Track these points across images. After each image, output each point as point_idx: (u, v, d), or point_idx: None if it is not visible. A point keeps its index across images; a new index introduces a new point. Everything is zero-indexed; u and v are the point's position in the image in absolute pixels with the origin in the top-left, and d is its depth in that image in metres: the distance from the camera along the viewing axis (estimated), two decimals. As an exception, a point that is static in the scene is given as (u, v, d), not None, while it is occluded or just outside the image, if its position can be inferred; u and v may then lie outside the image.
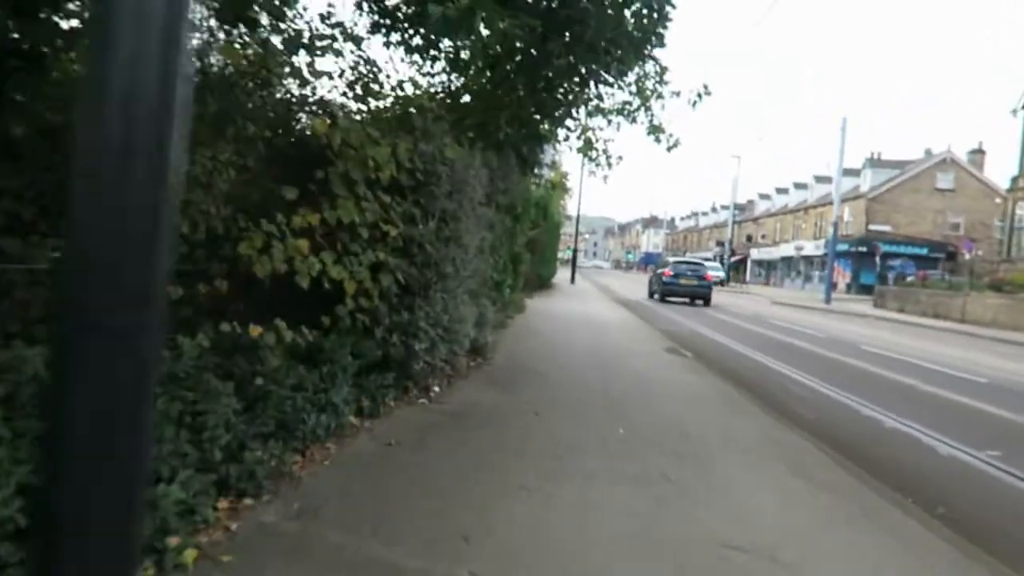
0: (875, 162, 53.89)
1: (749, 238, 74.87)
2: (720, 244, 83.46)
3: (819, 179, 61.91)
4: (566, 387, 6.92)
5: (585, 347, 10.34)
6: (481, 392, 6.17)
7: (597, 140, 14.79)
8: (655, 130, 13.31)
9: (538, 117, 7.96)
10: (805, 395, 8.49)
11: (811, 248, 57.69)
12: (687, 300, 26.77)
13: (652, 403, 6.59)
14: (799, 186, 66.22)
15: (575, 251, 37.11)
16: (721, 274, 61.87)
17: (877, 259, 45.90)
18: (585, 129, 14.85)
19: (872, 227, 50.42)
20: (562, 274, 35.49)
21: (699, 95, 12.39)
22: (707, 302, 26.65)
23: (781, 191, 70.88)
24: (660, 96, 12.97)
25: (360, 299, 4.75)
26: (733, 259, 70.45)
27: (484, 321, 7.67)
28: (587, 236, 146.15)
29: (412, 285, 5.33)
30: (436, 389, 5.80)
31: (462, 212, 5.76)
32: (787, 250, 63.24)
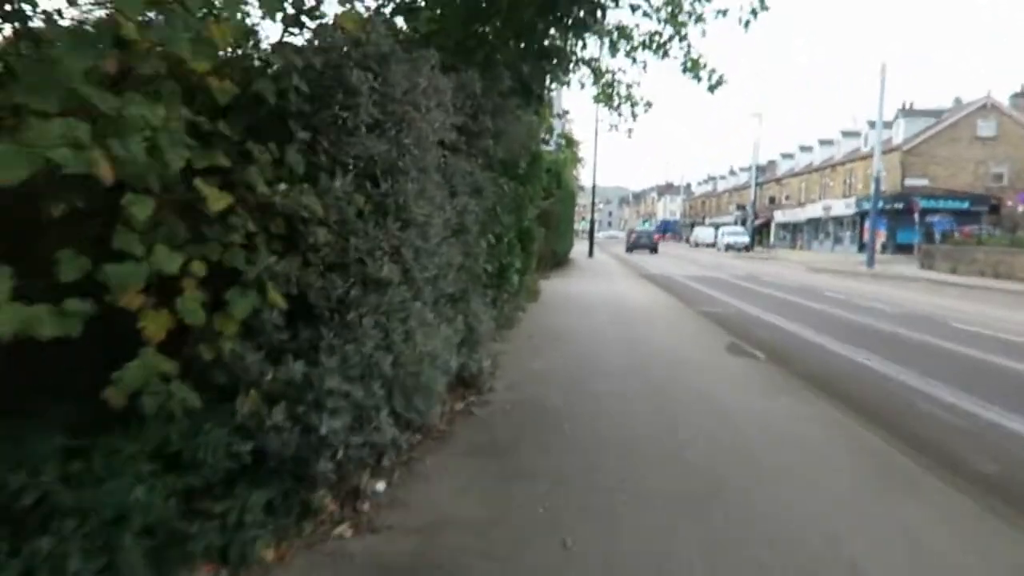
0: (908, 112, 50.35)
1: (772, 200, 71.53)
2: (741, 208, 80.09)
3: (847, 134, 58.41)
4: (607, 447, 4.30)
5: (622, 353, 7.71)
6: (463, 487, 3.53)
7: (618, 83, 12.10)
8: (694, 66, 10.56)
9: (542, 26, 5.28)
10: (956, 422, 5.84)
11: (840, 207, 54.43)
12: (704, 275, 24.79)
13: (757, 478, 3.96)
14: (824, 143, 62.67)
15: (592, 222, 34.32)
16: (745, 239, 58.91)
17: (916, 216, 42.61)
18: (602, 73, 12.15)
19: (908, 182, 47.10)
20: (578, 247, 32.79)
21: (753, 11, 9.61)
22: (654, 251, 47.64)
23: (805, 149, 67.32)
24: (700, 19, 10.20)
25: (191, 345, 2.22)
26: (756, 223, 67.26)
27: (475, 338, 5.08)
28: (601, 206, 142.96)
29: (313, 306, 2.75)
30: (379, 488, 3.21)
31: (411, 162, 3.14)
32: (814, 211, 59.93)
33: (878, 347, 9.18)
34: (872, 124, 53.55)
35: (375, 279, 2.85)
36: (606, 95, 12.06)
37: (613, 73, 11.87)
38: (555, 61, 5.70)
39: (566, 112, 11.29)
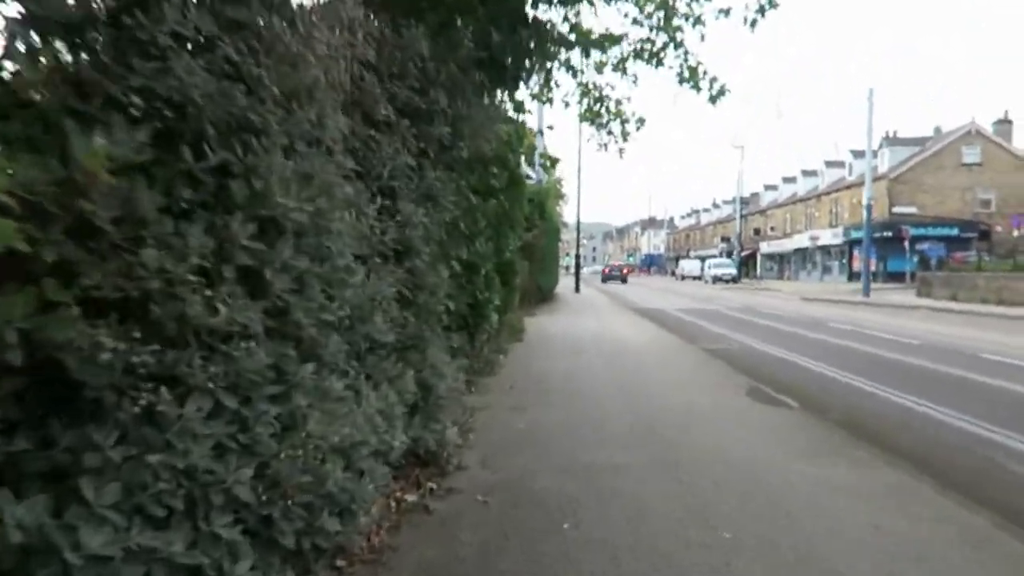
0: (893, 141, 50.06)
1: (757, 231, 71.01)
2: (726, 240, 79.56)
3: (830, 164, 58.11)
4: (624, 563, 2.93)
5: (624, 406, 6.35)
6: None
7: (605, 99, 10.94)
8: (692, 74, 9.48)
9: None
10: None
11: (828, 237, 53.76)
12: (698, 307, 23.67)
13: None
14: (808, 173, 62.37)
15: (578, 256, 33.16)
16: (733, 271, 58.12)
17: (906, 244, 41.85)
18: (588, 90, 11.00)
19: (896, 209, 46.47)
20: (564, 283, 31.57)
21: (761, 9, 8.59)
22: (624, 281, 56.76)
23: (788, 180, 67.06)
24: (698, 21, 9.15)
25: None
26: (742, 254, 66.56)
27: (434, 401, 3.70)
28: (585, 242, 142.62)
29: (77, 384, 1.39)
30: None
31: (278, 122, 1.80)
32: (801, 241, 59.30)
33: (917, 386, 7.89)
34: (856, 154, 53.53)
35: (199, 327, 1.51)
36: (593, 113, 10.91)
37: (601, 89, 10.76)
38: (534, 36, 4.45)
39: (550, 127, 10.03)
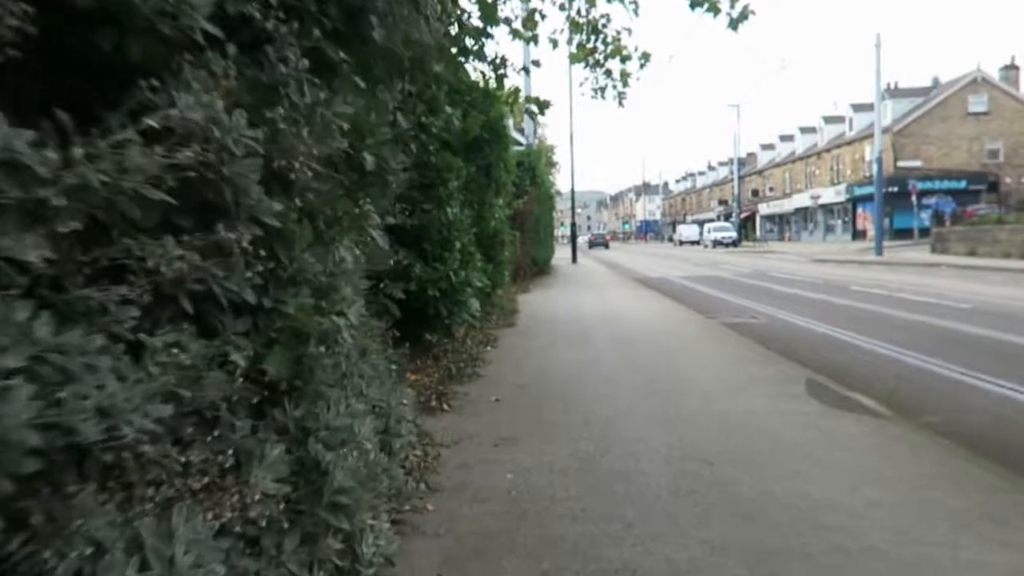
0: (894, 92, 48.03)
1: (755, 193, 69.15)
2: (723, 203, 77.75)
3: (829, 119, 56.15)
4: None
5: (650, 418, 4.65)
6: None
7: (601, 32, 9.17)
8: (707, -6, 7.76)
9: None
10: None
11: (831, 195, 51.99)
12: (705, 274, 22.31)
13: None
14: (806, 130, 60.37)
15: (574, 225, 31.35)
16: (733, 234, 56.41)
17: (913, 199, 40.13)
18: (578, 24, 9.26)
19: (901, 163, 44.66)
20: (559, 253, 29.84)
21: None
22: (606, 247, 64.34)
23: (786, 138, 65.09)
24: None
25: None
26: (741, 217, 64.84)
27: (332, 503, 2.02)
28: (580, 210, 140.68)
29: None
30: None
31: None
32: (801, 200, 57.55)
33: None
34: (857, 107, 51.57)
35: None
36: (586, 51, 9.12)
37: (596, 22, 8.96)
38: None
39: (536, 64, 8.21)
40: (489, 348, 7.28)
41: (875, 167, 30.20)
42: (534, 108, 7.48)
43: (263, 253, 1.62)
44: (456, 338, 6.94)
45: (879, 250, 28.79)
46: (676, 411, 4.73)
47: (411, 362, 5.90)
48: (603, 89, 8.95)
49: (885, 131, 45.93)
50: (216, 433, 1.54)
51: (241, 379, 1.60)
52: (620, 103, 9.05)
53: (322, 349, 1.91)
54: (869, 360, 7.20)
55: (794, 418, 4.52)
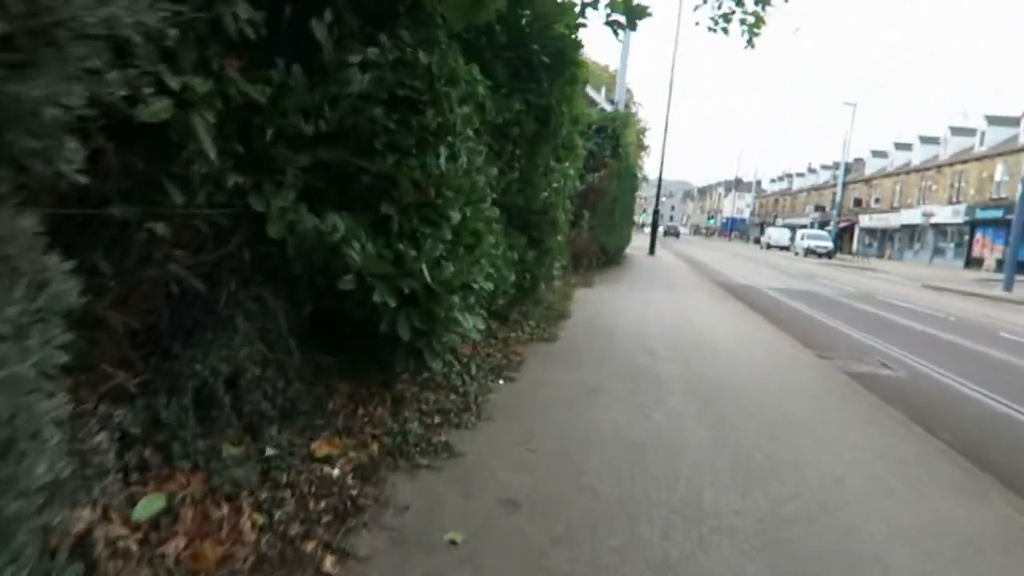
0: (1041, 107, 42.38)
1: (858, 202, 63.75)
2: (820, 209, 72.31)
3: (956, 131, 50.54)
4: None
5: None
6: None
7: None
8: None
9: None
10: None
11: (947, 215, 46.85)
12: (801, 288, 19.20)
13: None
14: (927, 140, 54.75)
15: (656, 213, 28.29)
16: (829, 244, 51.80)
17: (1049, 230, 35.08)
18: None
19: (1038, 188, 39.28)
20: (636, 242, 26.89)
21: None
22: (677, 236, 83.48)
23: (902, 147, 59.38)
24: None
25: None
26: (839, 226, 59.86)
27: None
28: (664, 199, 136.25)
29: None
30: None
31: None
32: (910, 217, 52.32)
33: None
34: (992, 120, 46.04)
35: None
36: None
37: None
38: None
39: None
40: (501, 383, 4.71)
41: (1020, 187, 25.90)
42: (620, 18, 4.80)
43: None
44: (453, 363, 4.39)
45: (1009, 285, 24.70)
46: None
47: (351, 411, 3.42)
48: (728, 17, 6.17)
49: (1021, 151, 40.68)
50: None
51: None
52: (750, 41, 6.25)
53: None
54: None
55: None
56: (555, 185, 7.10)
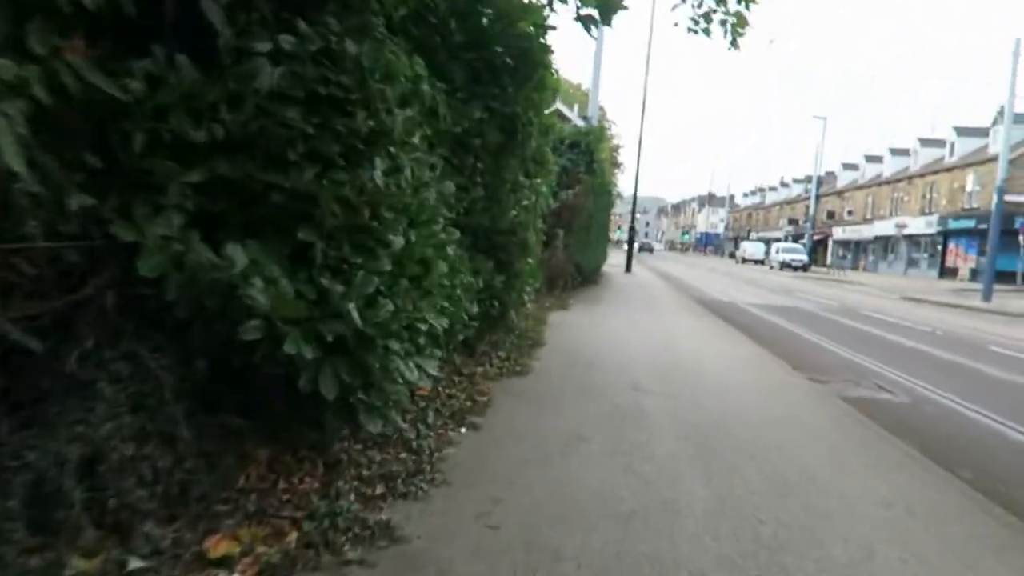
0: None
1: (831, 215, 64.13)
2: (793, 222, 72.65)
3: (926, 142, 51.02)
4: None
5: None
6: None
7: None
8: None
9: None
10: None
11: (920, 225, 47.09)
12: (781, 304, 19.28)
13: None
14: (897, 152, 55.22)
15: (632, 228, 27.85)
16: (804, 257, 51.88)
17: (1021, 239, 35.43)
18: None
19: (1009, 198, 39.54)
20: (613, 259, 26.41)
21: None
22: (651, 251, 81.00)
23: (872, 159, 59.88)
24: None
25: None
26: (813, 240, 60.05)
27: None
28: (639, 216, 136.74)
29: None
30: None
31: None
32: (883, 228, 52.56)
33: None
34: (961, 131, 46.46)
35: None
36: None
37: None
38: None
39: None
40: (464, 431, 4.05)
41: (995, 197, 25.90)
42: (593, 12, 4.22)
43: None
44: (405, 412, 3.73)
45: (988, 295, 24.55)
46: None
47: (270, 485, 2.76)
48: (709, 17, 5.64)
49: (995, 159, 40.94)
50: None
51: None
52: (734, 42, 5.72)
53: None
54: None
55: None
56: (525, 203, 6.50)
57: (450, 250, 3.81)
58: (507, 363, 6.02)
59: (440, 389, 4.59)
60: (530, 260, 6.59)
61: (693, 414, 5.11)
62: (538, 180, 7.66)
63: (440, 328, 3.28)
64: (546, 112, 6.07)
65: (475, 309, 5.31)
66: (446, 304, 3.50)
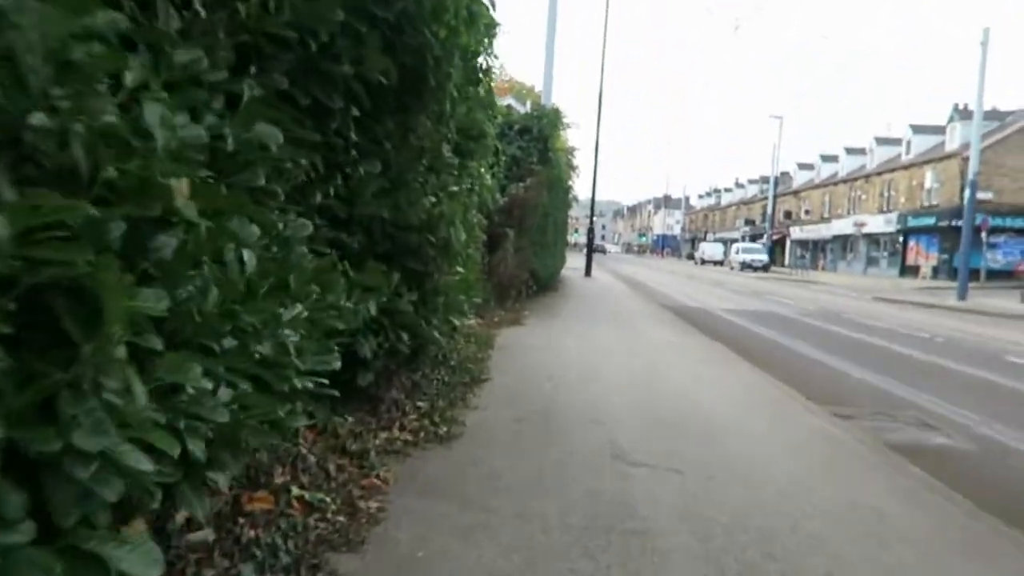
0: (966, 114, 42.36)
1: (788, 215, 63.62)
2: (750, 223, 72.01)
3: (882, 141, 50.59)
4: None
5: None
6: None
7: None
8: None
9: None
10: None
11: (879, 224, 46.46)
12: (755, 309, 18.02)
13: None
14: (853, 151, 54.82)
15: (591, 230, 26.11)
16: (764, 257, 51.09)
17: (984, 235, 34.77)
18: None
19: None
20: (571, 261, 24.61)
21: None
22: (604, 252, 73.76)
23: (828, 159, 59.48)
24: None
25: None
26: (772, 239, 59.36)
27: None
28: (595, 218, 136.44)
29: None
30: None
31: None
32: (841, 227, 51.94)
33: None
34: (918, 129, 45.99)
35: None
36: None
37: None
38: None
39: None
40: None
41: (968, 192, 24.83)
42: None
43: None
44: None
45: (963, 294, 23.40)
46: None
47: None
48: None
49: (952, 156, 40.42)
50: None
51: None
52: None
53: None
54: None
55: None
56: (453, 188, 4.54)
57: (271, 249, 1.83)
58: (426, 421, 4.04)
59: (291, 499, 2.60)
60: (460, 269, 4.62)
61: (715, 515, 3.19)
62: (474, 163, 5.73)
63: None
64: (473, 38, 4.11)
65: (370, 346, 3.38)
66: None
